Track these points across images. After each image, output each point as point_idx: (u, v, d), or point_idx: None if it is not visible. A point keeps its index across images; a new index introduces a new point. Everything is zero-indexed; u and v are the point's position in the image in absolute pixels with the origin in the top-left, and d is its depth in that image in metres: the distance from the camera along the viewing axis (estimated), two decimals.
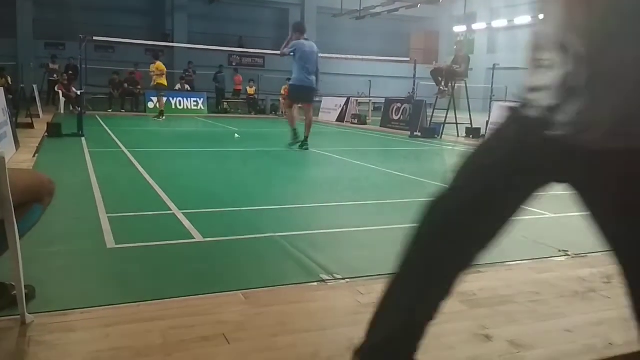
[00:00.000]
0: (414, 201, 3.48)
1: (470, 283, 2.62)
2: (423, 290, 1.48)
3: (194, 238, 3.30)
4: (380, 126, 14.26)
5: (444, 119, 11.36)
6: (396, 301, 1.51)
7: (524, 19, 25.84)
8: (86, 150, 7.30)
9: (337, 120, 16.44)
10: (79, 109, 9.81)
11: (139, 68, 18.48)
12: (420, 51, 30.13)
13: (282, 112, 16.50)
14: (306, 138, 8.42)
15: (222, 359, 1.85)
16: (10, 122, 7.11)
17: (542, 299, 2.48)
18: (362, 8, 25.74)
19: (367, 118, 15.87)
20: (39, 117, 11.99)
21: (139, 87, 17.69)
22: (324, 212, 4.28)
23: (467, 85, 11.49)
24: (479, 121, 11.47)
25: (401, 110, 13.83)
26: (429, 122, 12.13)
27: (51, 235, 3.09)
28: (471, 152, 1.47)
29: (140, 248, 3.09)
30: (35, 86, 14.29)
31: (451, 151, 9.40)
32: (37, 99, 13.96)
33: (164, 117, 14.63)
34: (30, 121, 10.08)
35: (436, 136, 11.35)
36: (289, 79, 8.69)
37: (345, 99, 17.03)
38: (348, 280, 2.60)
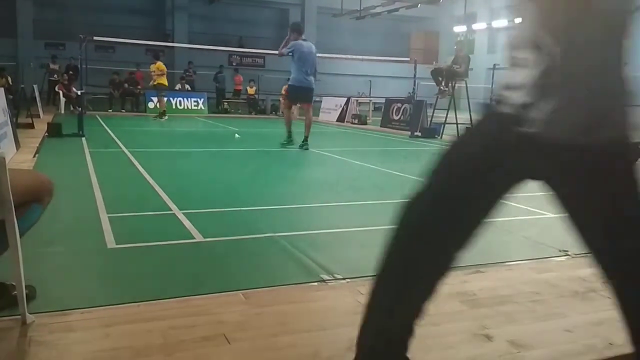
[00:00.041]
0: None
1: (470, 283, 2.63)
2: (403, 291, 1.49)
3: (195, 238, 3.30)
4: (381, 126, 14.26)
5: (444, 119, 11.36)
6: (379, 303, 1.52)
7: None
8: (86, 150, 7.30)
9: (337, 120, 16.44)
10: (79, 109, 9.81)
11: (140, 68, 18.48)
12: (420, 51, 30.13)
13: (282, 112, 16.50)
14: (306, 138, 8.44)
15: (223, 359, 1.86)
16: (11, 122, 7.11)
17: (542, 299, 2.48)
18: (362, 8, 25.73)
19: (368, 118, 15.87)
20: (39, 117, 12.00)
21: (139, 87, 17.70)
22: (325, 212, 4.28)
23: (468, 85, 11.48)
24: None
25: (401, 110, 13.83)
26: (429, 122, 12.13)
27: (51, 235, 3.09)
28: (445, 150, 1.47)
29: (140, 248, 3.10)
30: (35, 86, 14.31)
31: None
32: (38, 99, 13.97)
33: (166, 117, 14.67)
34: (30, 121, 10.09)
35: (436, 136, 11.35)
36: (289, 79, 8.71)
37: (346, 99, 17.03)
38: (348, 280, 2.60)
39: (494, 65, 11.68)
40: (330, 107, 17.56)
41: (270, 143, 8.91)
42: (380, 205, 4.51)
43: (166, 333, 1.99)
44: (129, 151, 7.46)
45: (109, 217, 3.66)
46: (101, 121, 12.75)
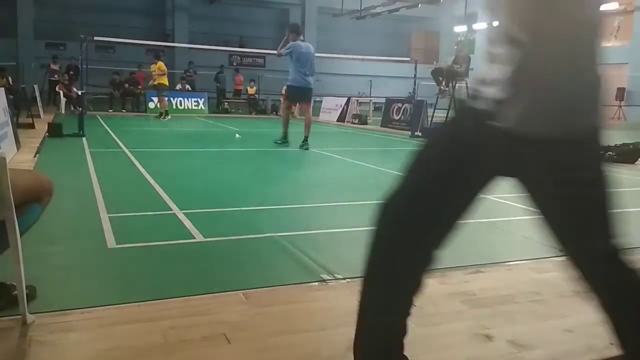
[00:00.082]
0: None
1: (470, 283, 2.63)
2: (389, 291, 1.50)
3: (195, 238, 3.30)
4: (381, 126, 14.26)
5: (444, 119, 11.34)
6: (369, 304, 1.53)
7: None
8: (87, 150, 7.30)
9: (337, 120, 16.44)
10: (80, 109, 9.82)
11: (141, 68, 18.48)
12: (420, 51, 30.14)
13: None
14: (306, 138, 8.47)
15: (223, 359, 1.86)
16: (11, 122, 7.11)
17: (542, 299, 2.48)
18: (362, 8, 25.72)
19: (368, 118, 15.87)
20: (40, 117, 12.00)
21: (140, 87, 17.71)
22: (325, 212, 4.28)
23: (468, 85, 11.48)
24: None
25: (402, 110, 13.83)
26: (429, 122, 12.12)
27: (52, 235, 3.09)
28: (420, 147, 1.48)
29: (140, 248, 3.10)
30: (36, 86, 14.32)
31: None
32: (38, 99, 13.97)
33: (169, 117, 14.71)
34: (31, 121, 10.09)
35: None
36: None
37: (346, 98, 17.04)
38: (348, 280, 2.60)
39: None
40: (330, 107, 17.57)
41: (271, 143, 8.92)
42: None
43: (166, 333, 1.99)
44: (129, 151, 7.46)
45: (109, 216, 3.67)
46: (102, 121, 12.75)
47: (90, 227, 3.44)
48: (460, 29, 29.99)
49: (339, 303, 2.35)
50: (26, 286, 2.02)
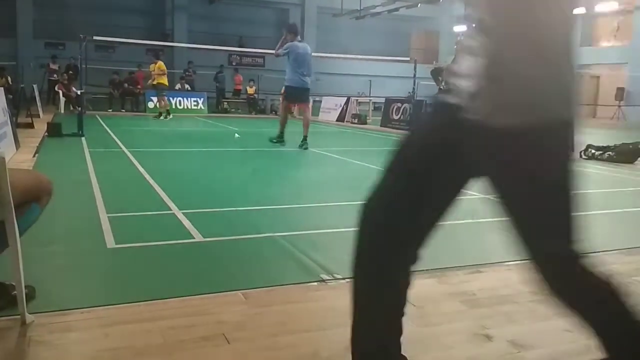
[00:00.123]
0: None
1: (470, 283, 2.63)
2: (378, 291, 1.51)
3: (194, 238, 3.30)
4: (381, 126, 14.26)
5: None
6: (361, 305, 1.54)
7: None
8: (86, 150, 7.30)
9: (337, 120, 16.44)
10: (79, 108, 9.81)
11: (141, 68, 18.48)
12: (420, 51, 30.13)
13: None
14: (305, 137, 8.49)
15: (222, 359, 1.86)
16: (11, 122, 7.11)
17: (542, 298, 2.47)
18: (362, 8, 25.72)
19: (367, 118, 15.87)
20: (39, 116, 11.99)
21: (139, 87, 17.70)
22: (324, 211, 4.28)
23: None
24: None
25: (401, 110, 13.83)
26: None
27: (51, 235, 3.09)
28: (397, 146, 1.48)
29: (140, 248, 3.09)
30: (35, 86, 14.30)
31: None
32: (37, 98, 13.97)
33: (170, 116, 14.73)
34: (30, 121, 10.08)
35: None
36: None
37: (345, 98, 17.04)
38: (348, 280, 2.59)
39: None
40: (330, 107, 17.57)
41: (270, 143, 8.91)
42: None
43: (166, 333, 1.99)
44: (128, 151, 7.46)
45: (108, 216, 3.66)
46: (101, 121, 12.74)
47: (89, 227, 3.44)
48: (459, 28, 29.99)
49: (339, 303, 2.35)
50: (25, 286, 2.02)
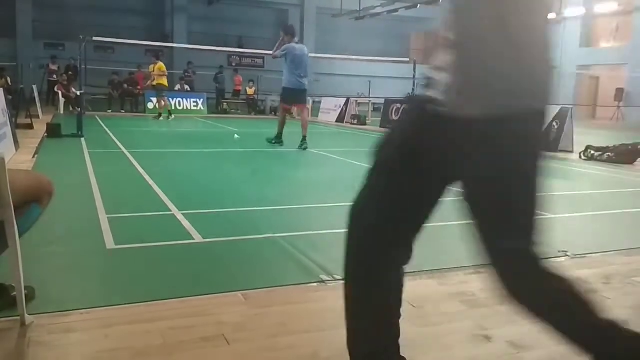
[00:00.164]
0: None
1: (469, 283, 2.63)
2: (368, 293, 1.51)
3: (194, 239, 3.30)
4: (380, 127, 14.25)
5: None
6: (354, 309, 1.54)
7: None
8: (86, 151, 7.29)
9: (336, 121, 16.44)
10: (79, 109, 9.82)
11: (141, 69, 18.49)
12: (420, 51, 30.12)
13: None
14: (304, 137, 8.51)
15: None
16: (10, 122, 7.11)
17: None
18: (361, 8, 25.71)
19: (367, 118, 15.87)
20: (39, 117, 11.99)
21: (139, 87, 17.70)
22: (324, 212, 4.28)
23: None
24: None
25: (401, 111, 13.83)
26: None
27: (51, 236, 3.09)
28: (377, 146, 1.50)
29: (139, 249, 3.09)
30: (34, 87, 14.29)
31: None
32: (37, 99, 13.95)
33: (172, 117, 14.74)
34: (29, 122, 10.08)
35: None
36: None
37: (345, 99, 17.04)
38: None
39: None
40: (329, 108, 17.57)
41: (270, 144, 8.92)
42: None
43: (165, 334, 1.99)
44: (128, 152, 7.46)
45: (108, 217, 3.66)
46: (100, 122, 12.74)
47: (89, 228, 3.43)
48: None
49: (338, 304, 2.34)
50: (25, 287, 2.02)
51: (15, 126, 8.16)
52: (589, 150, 8.37)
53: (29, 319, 2.01)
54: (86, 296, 2.35)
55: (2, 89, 7.53)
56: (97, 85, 17.24)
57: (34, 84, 14.72)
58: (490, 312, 2.29)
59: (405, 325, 1.60)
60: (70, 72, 17.38)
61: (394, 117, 13.99)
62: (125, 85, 17.90)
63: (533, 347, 1.99)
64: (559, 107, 9.77)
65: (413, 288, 2.49)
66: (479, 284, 2.61)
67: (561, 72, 25.56)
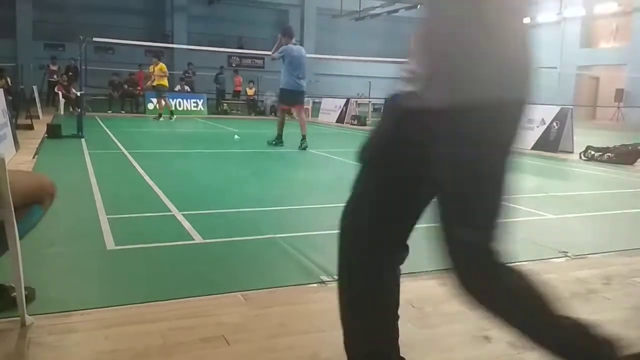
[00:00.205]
0: None
1: None
2: (362, 294, 1.51)
3: (194, 239, 3.30)
4: None
5: None
6: (345, 309, 1.55)
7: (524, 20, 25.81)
8: (86, 152, 7.29)
9: (336, 122, 16.45)
10: (79, 110, 9.82)
11: (142, 69, 18.49)
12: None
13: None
14: (304, 136, 8.54)
15: None
16: (10, 123, 7.11)
17: None
18: (361, 9, 25.73)
19: (367, 119, 15.87)
20: (39, 118, 11.99)
21: (139, 88, 17.71)
22: (324, 213, 4.28)
23: None
24: None
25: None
26: None
27: (51, 237, 3.09)
28: (362, 144, 1.49)
29: (139, 249, 3.09)
30: (35, 87, 14.29)
31: None
32: (37, 100, 13.96)
33: (175, 117, 14.75)
34: (30, 122, 10.08)
35: None
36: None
37: (345, 100, 17.05)
38: None
39: None
40: (329, 108, 17.58)
41: (270, 145, 8.92)
42: None
43: (165, 334, 1.99)
44: (128, 152, 7.46)
45: (108, 218, 3.66)
46: (100, 122, 12.74)
47: (89, 229, 3.43)
48: None
49: None
50: (25, 288, 2.02)
51: (16, 127, 8.16)
52: (589, 151, 8.37)
53: (29, 319, 2.01)
54: (86, 297, 2.35)
55: (2, 89, 7.53)
56: (97, 86, 17.25)
57: (34, 84, 14.73)
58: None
59: (406, 326, 1.61)
60: (70, 73, 17.39)
61: None
62: (126, 86, 17.91)
63: (533, 348, 1.99)
64: (559, 108, 9.78)
65: (413, 289, 2.49)
66: None
67: (561, 72, 25.59)
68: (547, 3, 25.78)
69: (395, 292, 1.54)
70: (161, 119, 14.60)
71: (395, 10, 26.14)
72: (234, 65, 25.94)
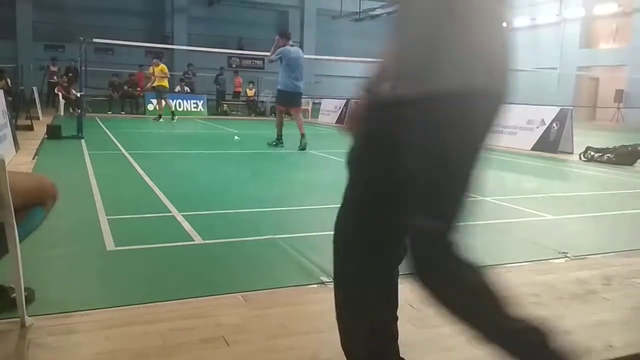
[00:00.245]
0: None
1: None
2: (358, 295, 1.51)
3: (194, 240, 3.30)
4: None
5: None
6: (342, 310, 1.55)
7: (523, 21, 25.88)
8: (86, 153, 7.29)
9: (336, 122, 16.45)
10: (79, 111, 9.82)
11: (142, 70, 18.49)
12: None
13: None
14: (303, 135, 8.58)
15: None
16: (10, 124, 7.11)
17: (541, 300, 2.48)
18: (361, 10, 25.77)
19: None
20: (39, 119, 11.99)
21: (139, 89, 17.72)
22: (324, 213, 4.27)
23: None
24: None
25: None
26: None
27: (50, 238, 3.08)
28: (349, 146, 1.49)
29: (139, 250, 3.09)
30: (35, 88, 14.30)
31: None
32: (37, 101, 13.96)
33: (176, 118, 14.76)
34: (29, 123, 10.08)
35: None
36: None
37: (345, 101, 17.05)
38: None
39: None
40: (329, 109, 17.59)
41: (269, 145, 8.93)
42: None
43: (165, 335, 1.98)
44: (128, 153, 7.46)
45: (108, 219, 3.66)
46: (100, 123, 12.74)
47: (89, 230, 3.43)
48: None
49: None
50: (25, 289, 2.01)
51: (15, 127, 8.16)
52: (588, 152, 8.37)
53: (28, 320, 2.01)
54: (86, 298, 2.35)
55: (2, 90, 7.53)
56: (97, 87, 17.26)
57: (34, 85, 14.74)
58: None
59: (405, 326, 1.60)
60: (70, 74, 17.39)
61: None
62: (126, 87, 17.92)
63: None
64: (558, 108, 9.78)
65: (413, 289, 2.49)
66: None
67: (561, 73, 25.60)
68: (547, 3, 25.81)
69: (392, 293, 1.53)
70: (161, 119, 14.60)
71: (395, 11, 26.13)
72: (234, 66, 25.94)
